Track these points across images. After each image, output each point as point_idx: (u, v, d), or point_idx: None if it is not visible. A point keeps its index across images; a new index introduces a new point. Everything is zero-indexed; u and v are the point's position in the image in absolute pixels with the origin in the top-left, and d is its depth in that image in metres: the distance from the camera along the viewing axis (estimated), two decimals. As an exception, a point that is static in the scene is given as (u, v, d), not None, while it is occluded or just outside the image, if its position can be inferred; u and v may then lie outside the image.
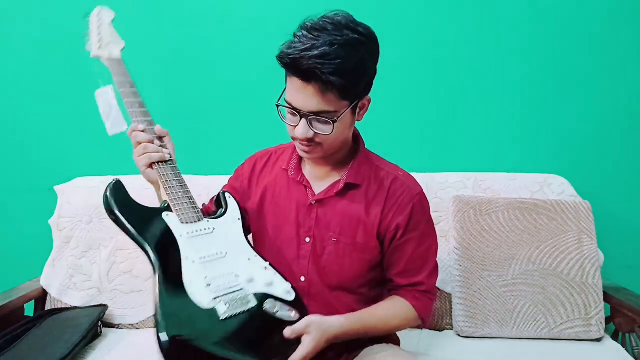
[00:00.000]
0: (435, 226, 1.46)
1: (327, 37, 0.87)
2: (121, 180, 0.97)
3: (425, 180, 1.52)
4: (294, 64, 0.88)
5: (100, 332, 1.39)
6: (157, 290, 0.86)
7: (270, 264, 0.96)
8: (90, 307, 1.45)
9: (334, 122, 0.91)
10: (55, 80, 1.70)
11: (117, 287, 1.48)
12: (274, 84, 1.71)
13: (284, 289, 0.93)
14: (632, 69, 1.64)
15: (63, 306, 1.48)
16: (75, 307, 1.46)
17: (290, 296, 0.93)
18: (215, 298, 0.86)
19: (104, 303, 1.46)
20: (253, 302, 0.88)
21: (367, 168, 1.05)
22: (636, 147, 1.66)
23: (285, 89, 0.96)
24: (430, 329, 1.45)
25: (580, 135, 1.66)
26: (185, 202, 0.95)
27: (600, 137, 1.66)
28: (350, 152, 1.07)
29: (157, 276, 0.88)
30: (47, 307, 1.50)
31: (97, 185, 1.54)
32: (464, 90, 1.67)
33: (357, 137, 1.09)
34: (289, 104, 0.94)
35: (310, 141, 0.95)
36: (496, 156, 1.67)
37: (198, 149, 1.71)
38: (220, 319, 0.84)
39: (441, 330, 1.45)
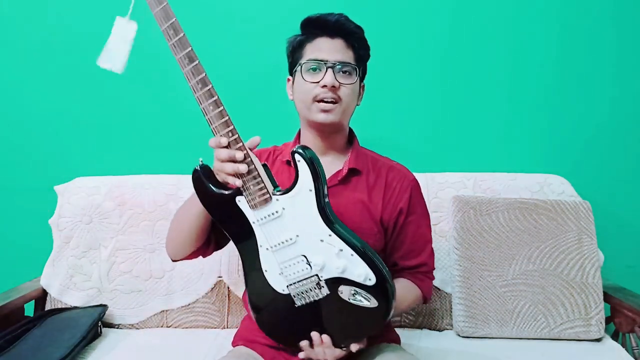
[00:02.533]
0: (435, 226, 1.48)
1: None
2: (203, 167, 0.95)
3: (425, 180, 1.52)
4: (323, 20, 1.04)
5: (100, 332, 1.39)
6: (244, 274, 0.97)
7: (348, 244, 0.88)
8: (90, 307, 1.45)
9: (357, 68, 1.05)
10: (56, 80, 1.70)
11: (117, 287, 1.48)
12: (272, 84, 1.71)
13: (362, 274, 0.88)
14: (632, 69, 1.64)
15: (63, 306, 1.48)
16: (75, 307, 1.46)
17: (370, 281, 0.88)
18: (288, 285, 0.92)
19: (104, 303, 1.46)
20: (325, 290, 0.90)
21: (364, 157, 1.12)
22: (636, 147, 1.66)
23: (298, 64, 1.07)
24: (430, 329, 1.45)
25: (580, 135, 1.66)
26: (253, 185, 0.89)
27: (600, 137, 1.66)
28: (347, 142, 1.14)
29: (242, 262, 0.97)
30: (47, 307, 1.50)
31: (97, 185, 1.54)
32: (464, 90, 1.67)
33: (351, 131, 1.16)
34: (314, 58, 1.03)
35: (333, 94, 1.02)
36: (496, 156, 1.67)
37: (198, 148, 1.70)
38: (296, 305, 0.92)
39: (441, 330, 1.45)
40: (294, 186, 0.90)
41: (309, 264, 0.90)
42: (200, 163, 0.95)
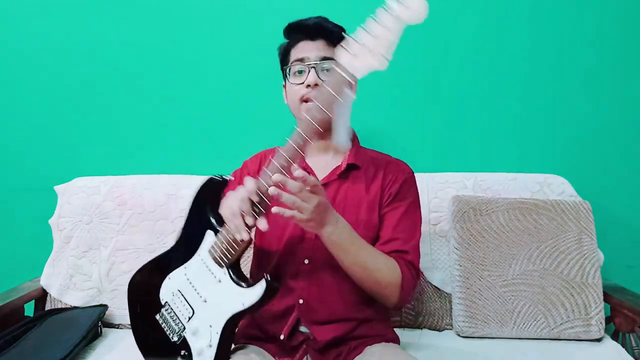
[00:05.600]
0: (435, 226, 1.48)
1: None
2: (220, 181, 1.02)
3: (425, 180, 1.52)
4: (303, 24, 1.09)
5: (100, 332, 1.39)
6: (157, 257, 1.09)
7: (218, 349, 0.96)
8: (90, 307, 1.45)
9: None
10: (56, 80, 1.70)
11: (117, 287, 1.48)
12: (270, 84, 1.72)
13: None
14: (633, 69, 1.63)
15: (63, 306, 1.48)
16: (75, 307, 1.46)
17: None
18: (165, 302, 1.03)
19: (104, 303, 1.47)
20: (178, 339, 1.01)
21: (364, 154, 1.15)
22: (636, 147, 1.66)
23: (286, 74, 1.11)
24: (430, 329, 1.45)
25: (580, 135, 1.66)
26: (226, 247, 0.95)
27: (600, 137, 1.65)
28: None
29: (163, 253, 1.09)
30: (47, 307, 1.50)
31: (97, 185, 1.54)
32: (464, 90, 1.66)
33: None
34: (298, 59, 1.07)
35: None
36: (496, 156, 1.67)
37: (197, 149, 1.71)
38: (153, 316, 1.04)
39: (441, 330, 1.45)
40: (240, 286, 0.96)
41: (189, 318, 1.00)
42: (223, 178, 1.02)
